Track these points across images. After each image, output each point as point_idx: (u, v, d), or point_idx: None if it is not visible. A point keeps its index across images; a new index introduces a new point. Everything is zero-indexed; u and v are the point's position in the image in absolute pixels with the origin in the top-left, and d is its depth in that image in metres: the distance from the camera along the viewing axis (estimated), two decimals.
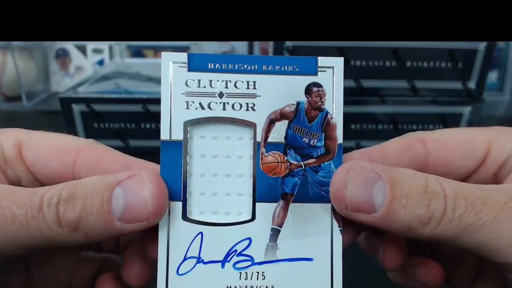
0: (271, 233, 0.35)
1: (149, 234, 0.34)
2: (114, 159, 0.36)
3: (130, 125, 0.92)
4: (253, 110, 0.35)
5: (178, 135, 0.34)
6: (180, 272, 0.34)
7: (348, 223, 0.35)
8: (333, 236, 0.35)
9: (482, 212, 0.29)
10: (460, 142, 0.37)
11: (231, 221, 0.35)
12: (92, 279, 0.42)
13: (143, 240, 0.35)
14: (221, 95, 0.35)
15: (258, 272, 0.34)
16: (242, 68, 0.35)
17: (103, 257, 0.44)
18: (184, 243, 0.34)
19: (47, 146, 0.36)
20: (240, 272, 0.34)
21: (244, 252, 0.34)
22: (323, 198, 0.35)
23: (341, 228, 0.35)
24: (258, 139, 0.35)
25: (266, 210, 0.35)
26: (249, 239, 0.34)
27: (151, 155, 0.38)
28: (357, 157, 0.36)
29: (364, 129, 0.93)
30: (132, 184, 0.32)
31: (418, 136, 0.37)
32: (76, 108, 0.90)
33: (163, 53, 0.35)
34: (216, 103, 0.35)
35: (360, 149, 0.37)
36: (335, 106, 0.35)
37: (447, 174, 0.35)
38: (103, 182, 0.31)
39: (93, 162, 0.36)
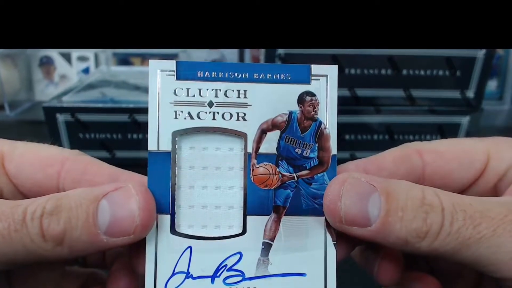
0: (263, 247, 0.35)
1: (136, 248, 0.34)
2: (100, 170, 0.36)
3: (117, 135, 0.92)
4: (244, 120, 0.35)
5: (166, 146, 0.34)
6: (168, 287, 0.34)
7: (342, 237, 0.35)
8: (326, 250, 0.35)
9: (481, 225, 0.29)
10: (458, 153, 0.37)
11: (221, 235, 0.35)
12: None
13: (130, 254, 0.35)
14: (210, 104, 0.35)
15: None
16: (233, 76, 0.35)
17: (89, 272, 0.43)
18: (172, 257, 0.34)
19: (30, 157, 0.36)
20: None
21: (234, 267, 0.34)
22: (316, 211, 0.35)
23: (335, 242, 0.35)
24: (249, 150, 0.35)
25: (257, 223, 0.35)
26: (240, 253, 0.34)
27: (138, 166, 0.37)
28: (352, 168, 0.36)
29: (358, 139, 0.93)
30: (118, 196, 0.32)
31: (414, 147, 0.37)
32: (61, 117, 0.89)
33: (150, 61, 0.35)
34: (206, 112, 0.35)
35: (355, 160, 0.37)
36: (328, 116, 0.35)
37: (445, 186, 0.35)
38: (89, 194, 0.31)
39: (78, 173, 0.36)
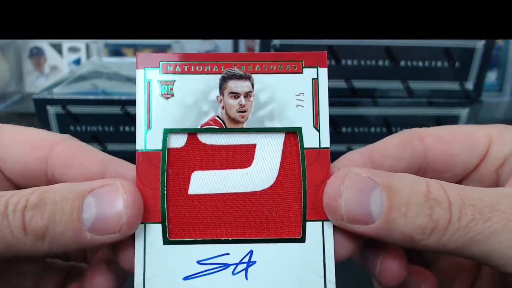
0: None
1: (123, 242, 0.34)
2: (91, 156, 0.36)
3: (108, 128, 0.91)
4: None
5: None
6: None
7: (342, 234, 0.34)
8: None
9: (491, 220, 0.29)
10: (460, 136, 0.37)
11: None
12: None
13: (115, 246, 0.35)
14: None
15: None
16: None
17: (71, 265, 0.43)
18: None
19: (19, 140, 0.36)
20: None
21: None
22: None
23: (333, 241, 0.34)
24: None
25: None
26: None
27: (130, 159, 0.37)
28: (357, 157, 0.36)
29: (355, 132, 0.93)
30: (105, 193, 0.31)
31: (415, 132, 0.37)
32: (51, 110, 0.89)
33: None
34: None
35: (359, 149, 0.37)
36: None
37: (448, 170, 0.36)
38: (75, 189, 0.31)
39: (68, 157, 0.35)
